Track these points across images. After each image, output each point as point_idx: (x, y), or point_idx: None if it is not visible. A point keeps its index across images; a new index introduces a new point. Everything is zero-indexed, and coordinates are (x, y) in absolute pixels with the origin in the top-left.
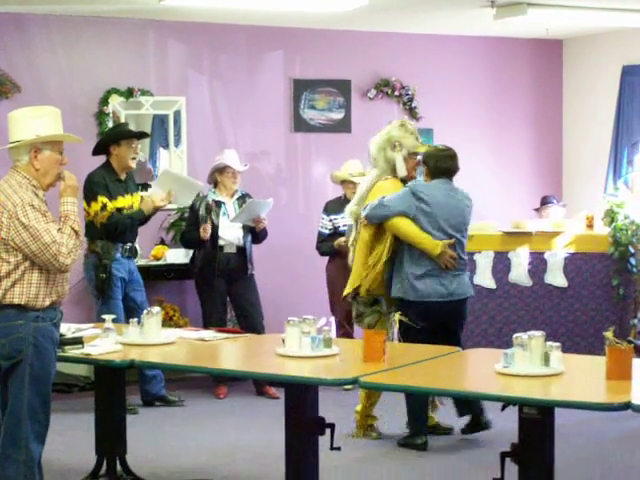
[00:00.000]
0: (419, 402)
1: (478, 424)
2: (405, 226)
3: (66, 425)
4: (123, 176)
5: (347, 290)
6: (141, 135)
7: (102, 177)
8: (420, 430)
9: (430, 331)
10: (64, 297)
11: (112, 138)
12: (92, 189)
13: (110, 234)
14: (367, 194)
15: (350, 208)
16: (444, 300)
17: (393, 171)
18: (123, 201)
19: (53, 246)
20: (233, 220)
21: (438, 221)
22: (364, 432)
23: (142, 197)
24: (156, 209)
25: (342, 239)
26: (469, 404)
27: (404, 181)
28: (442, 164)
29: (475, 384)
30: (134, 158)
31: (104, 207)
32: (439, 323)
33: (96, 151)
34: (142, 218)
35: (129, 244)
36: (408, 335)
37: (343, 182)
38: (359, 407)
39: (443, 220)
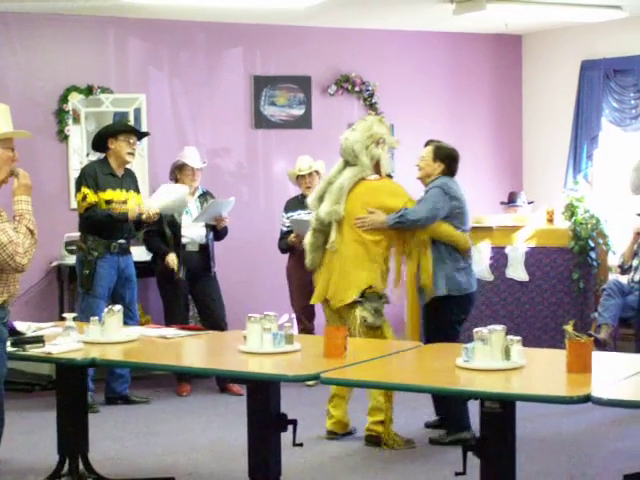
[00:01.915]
0: (453, 400)
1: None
2: (442, 225)
3: (28, 424)
4: (120, 172)
5: (352, 295)
6: (140, 134)
7: (93, 169)
8: (465, 424)
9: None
10: (15, 297)
11: (111, 131)
12: (80, 179)
13: (89, 227)
14: (348, 193)
15: (328, 208)
16: (475, 291)
17: (375, 167)
18: (113, 194)
19: (10, 246)
20: (195, 220)
21: (466, 217)
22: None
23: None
24: (143, 217)
25: (292, 236)
26: (445, 407)
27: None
28: (457, 165)
29: (436, 379)
30: (131, 153)
31: (84, 198)
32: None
33: (95, 146)
34: (124, 220)
35: (120, 241)
36: (453, 330)
37: (297, 178)
38: (380, 417)
39: (468, 216)
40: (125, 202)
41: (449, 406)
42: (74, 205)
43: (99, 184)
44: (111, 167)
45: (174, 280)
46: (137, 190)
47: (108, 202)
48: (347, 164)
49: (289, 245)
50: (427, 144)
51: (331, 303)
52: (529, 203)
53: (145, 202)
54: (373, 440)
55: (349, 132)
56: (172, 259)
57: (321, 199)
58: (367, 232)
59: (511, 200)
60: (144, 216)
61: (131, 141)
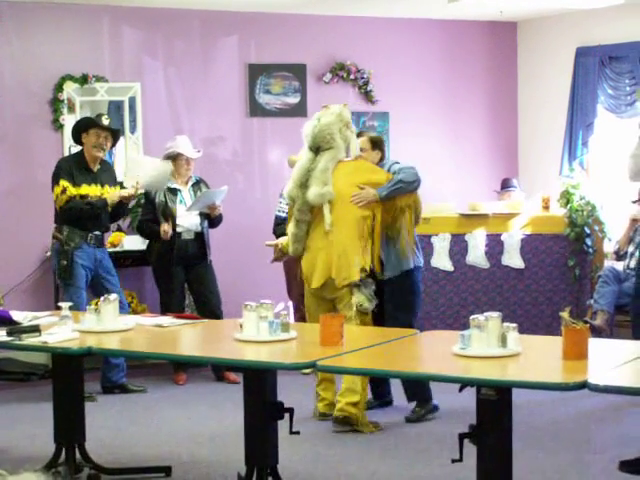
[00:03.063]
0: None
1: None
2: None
3: (25, 414)
4: (95, 167)
5: (358, 274)
6: (112, 130)
7: (68, 163)
8: (429, 395)
9: None
10: None
11: (82, 126)
12: (56, 173)
13: (69, 219)
14: (330, 175)
15: (319, 191)
16: None
17: (346, 150)
18: (88, 189)
19: None
20: (188, 209)
21: None
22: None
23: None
24: (124, 198)
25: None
26: (417, 390)
27: None
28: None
29: (432, 366)
30: (99, 148)
31: (64, 191)
32: None
33: (75, 139)
34: (104, 206)
35: (95, 232)
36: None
37: None
38: (354, 398)
39: None
40: (99, 198)
41: (413, 381)
42: None
43: (75, 180)
44: (86, 161)
45: (170, 268)
46: (115, 184)
47: (83, 197)
48: (318, 150)
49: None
50: (359, 135)
51: (337, 282)
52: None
53: (127, 176)
54: (344, 421)
55: (316, 120)
56: (168, 227)
57: (303, 186)
58: (362, 208)
59: (504, 186)
60: (126, 193)
61: (101, 136)
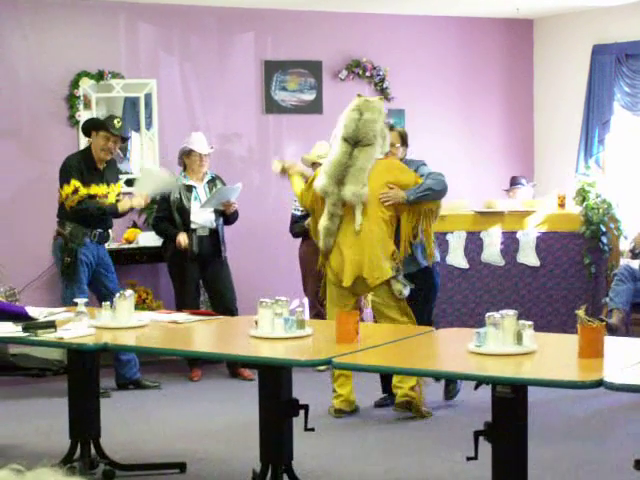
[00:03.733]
0: None
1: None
2: None
3: (40, 409)
4: (101, 165)
5: (388, 271)
6: (121, 137)
7: (78, 162)
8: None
9: None
10: None
11: (93, 124)
12: (67, 171)
13: (78, 219)
14: (367, 176)
15: (356, 191)
16: None
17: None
18: (97, 189)
19: None
20: (202, 206)
21: None
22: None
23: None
24: (132, 208)
25: (310, 218)
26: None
27: None
28: None
29: (448, 363)
30: (106, 151)
31: (76, 191)
32: None
33: (85, 132)
34: (114, 213)
35: (99, 230)
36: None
37: (313, 164)
38: (412, 382)
39: None
40: (107, 196)
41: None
42: None
43: (85, 179)
44: (94, 159)
45: (185, 264)
46: (117, 180)
47: (92, 197)
48: (356, 144)
49: (303, 229)
50: (390, 129)
51: (369, 281)
52: (532, 186)
53: (138, 184)
54: (407, 406)
55: (357, 112)
56: (183, 238)
57: (340, 182)
58: (388, 208)
59: (512, 184)
60: (137, 204)
61: (110, 140)
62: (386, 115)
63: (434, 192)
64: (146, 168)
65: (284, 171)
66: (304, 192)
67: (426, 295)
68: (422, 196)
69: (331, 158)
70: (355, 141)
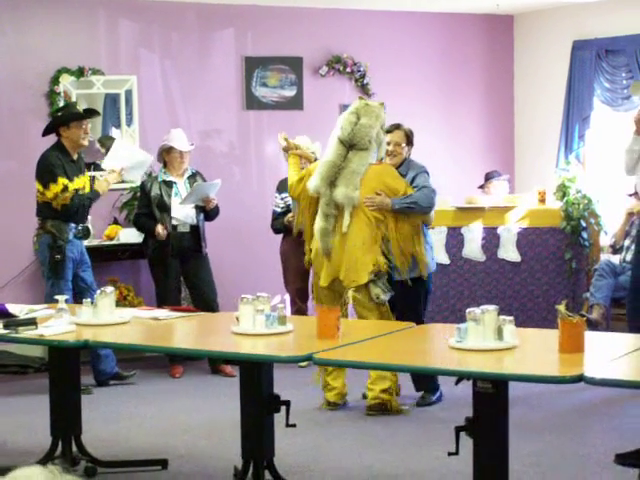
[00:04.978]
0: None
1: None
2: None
3: (21, 407)
4: (75, 156)
5: (365, 276)
6: (90, 113)
7: (58, 158)
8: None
9: None
10: None
11: (61, 120)
12: (51, 170)
13: (69, 215)
14: (359, 180)
15: (348, 194)
16: None
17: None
18: (78, 182)
19: None
20: (182, 202)
21: None
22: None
23: (94, 177)
24: (109, 187)
25: (290, 215)
26: (425, 380)
27: None
28: None
29: (429, 359)
30: (86, 137)
31: (65, 189)
32: None
33: (46, 132)
34: (98, 197)
35: (81, 225)
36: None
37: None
38: (385, 385)
39: None
40: (84, 188)
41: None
42: None
43: (68, 174)
44: (69, 153)
45: (167, 261)
46: (86, 167)
47: (77, 191)
48: (351, 147)
49: (284, 226)
50: (396, 128)
51: (344, 283)
52: (505, 179)
53: (108, 157)
54: (380, 408)
55: (355, 116)
56: (161, 228)
57: (332, 184)
58: (374, 212)
59: (487, 179)
60: (113, 179)
61: (83, 126)
62: (383, 123)
63: (419, 207)
64: (118, 142)
65: (286, 150)
66: (295, 184)
67: (416, 304)
68: (407, 208)
69: (325, 159)
70: (350, 144)
